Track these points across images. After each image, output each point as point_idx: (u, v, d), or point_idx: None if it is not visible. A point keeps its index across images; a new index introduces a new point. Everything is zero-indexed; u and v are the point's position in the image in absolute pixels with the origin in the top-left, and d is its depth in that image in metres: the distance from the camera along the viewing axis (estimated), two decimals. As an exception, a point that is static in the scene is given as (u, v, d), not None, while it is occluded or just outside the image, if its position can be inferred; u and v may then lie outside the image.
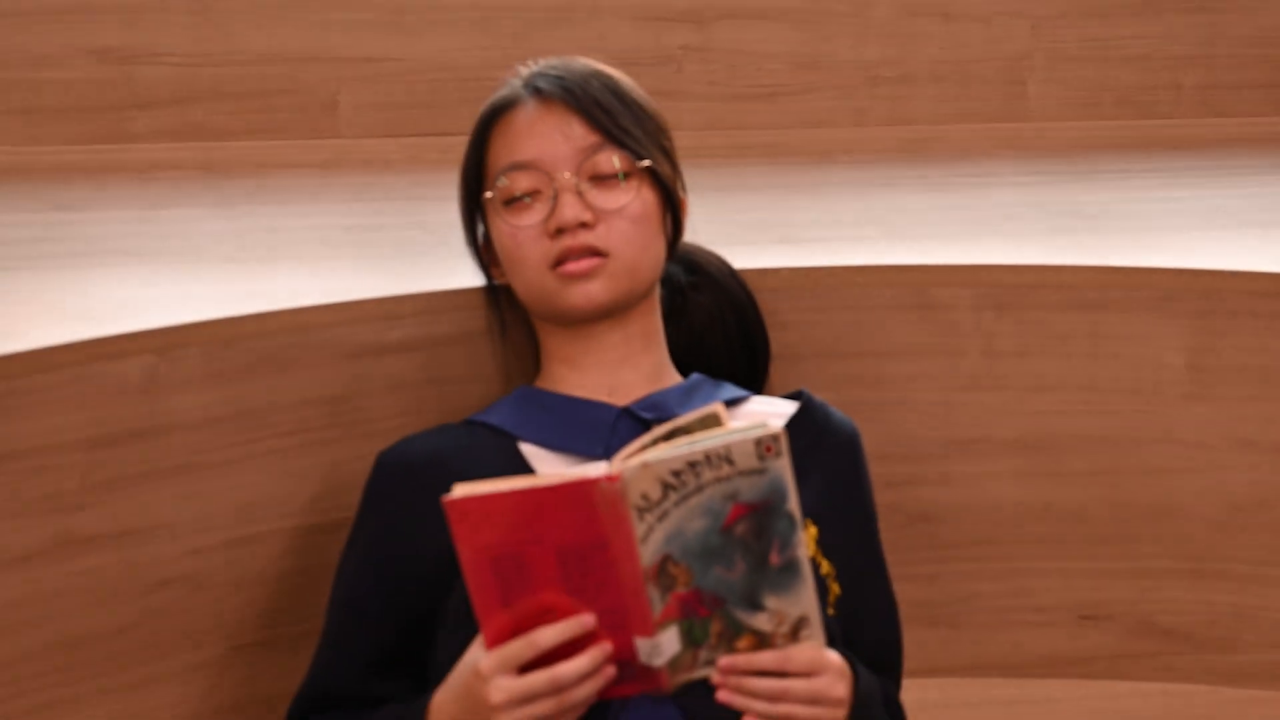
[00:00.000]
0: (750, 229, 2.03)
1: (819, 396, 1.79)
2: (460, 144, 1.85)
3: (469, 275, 1.88)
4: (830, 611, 1.67)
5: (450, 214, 1.91)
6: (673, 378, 1.77)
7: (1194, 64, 2.50)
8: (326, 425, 1.89)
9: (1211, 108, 2.51)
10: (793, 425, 1.71)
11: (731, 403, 1.73)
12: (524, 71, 1.77)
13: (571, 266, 1.67)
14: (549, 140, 1.69)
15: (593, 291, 1.67)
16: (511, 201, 1.70)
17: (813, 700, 1.52)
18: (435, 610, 1.65)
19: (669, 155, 1.75)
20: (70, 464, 1.77)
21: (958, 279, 2.01)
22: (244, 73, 2.32)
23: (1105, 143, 2.40)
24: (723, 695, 1.50)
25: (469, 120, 1.83)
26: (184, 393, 1.81)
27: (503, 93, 1.76)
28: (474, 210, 1.78)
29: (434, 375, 1.90)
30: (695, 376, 1.77)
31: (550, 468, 1.69)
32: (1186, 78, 2.51)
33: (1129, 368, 2.04)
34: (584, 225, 1.66)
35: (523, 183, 1.69)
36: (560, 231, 1.66)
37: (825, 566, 1.69)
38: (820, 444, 1.74)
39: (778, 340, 1.95)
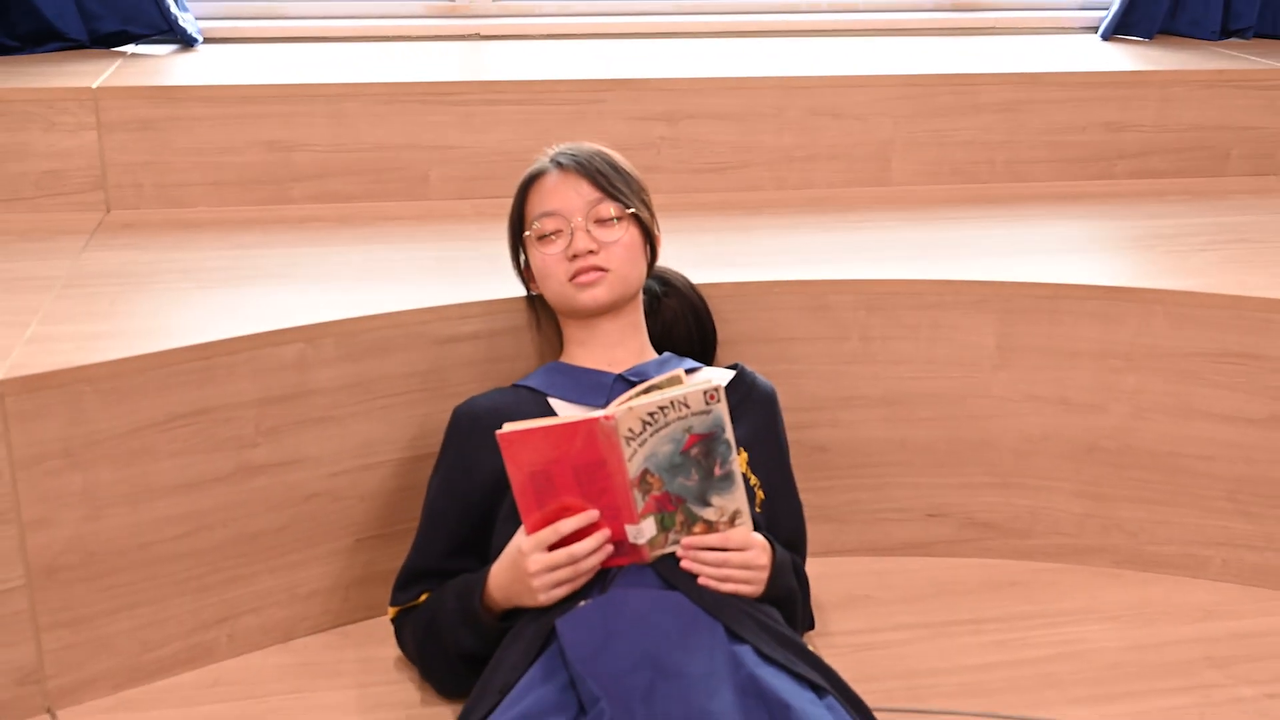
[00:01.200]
0: (704, 258, 2.05)
1: (750, 368, 1.83)
2: (510, 203, 1.89)
3: (515, 289, 1.92)
4: (758, 510, 1.71)
5: (503, 250, 1.92)
6: (651, 355, 1.83)
7: (1003, 147, 2.50)
8: (419, 390, 1.91)
9: (1016, 175, 2.51)
10: (731, 386, 1.76)
11: (690, 371, 1.77)
12: (550, 151, 1.81)
13: (583, 279, 1.72)
14: (567, 196, 1.74)
15: (598, 295, 1.73)
16: (543, 237, 1.75)
17: (744, 566, 1.59)
18: (492, 513, 1.69)
19: (648, 206, 1.80)
20: (247, 416, 1.79)
21: (843, 289, 2.02)
22: (365, 156, 2.31)
23: (943, 199, 2.40)
24: (685, 564, 1.58)
25: (517, 181, 1.87)
26: (323, 368, 1.84)
27: (536, 165, 1.80)
28: (518, 245, 1.83)
29: (492, 355, 1.93)
30: (666, 354, 1.83)
31: (570, 414, 1.70)
32: (998, 155, 2.52)
33: (957, 348, 2.07)
34: (591, 252, 1.71)
35: (550, 225, 1.74)
36: (575, 257, 1.71)
37: (754, 480, 1.73)
38: (750, 399, 1.78)
39: (722, 331, 1.99)
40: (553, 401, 1.73)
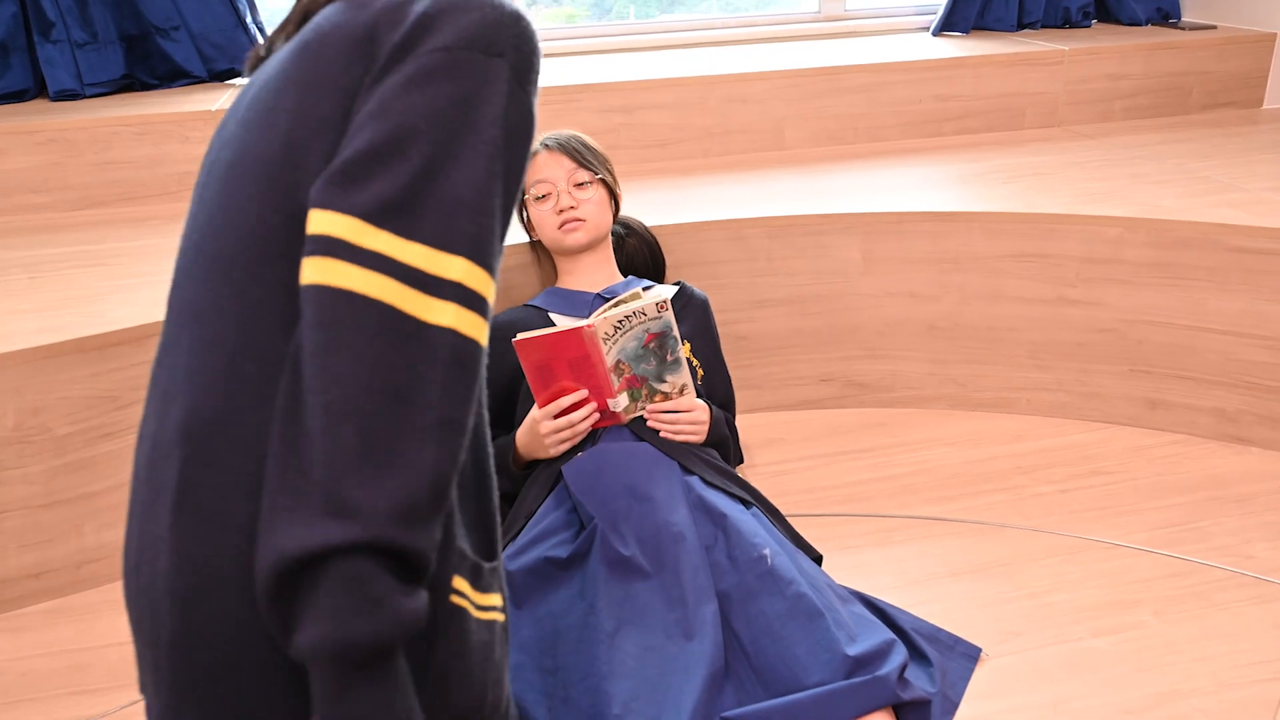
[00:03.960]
0: (654, 208, 2.01)
1: (689, 284, 1.81)
2: None
3: (521, 237, 1.87)
4: (699, 382, 1.70)
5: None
6: (619, 279, 1.78)
7: (864, 117, 2.45)
8: None
9: (873, 137, 2.47)
10: (676, 298, 1.74)
11: (645, 288, 1.74)
12: (540, 136, 1.78)
13: (568, 227, 1.70)
14: (552, 168, 1.71)
15: (579, 238, 1.71)
16: (538, 199, 1.72)
17: (691, 421, 1.59)
18: (514, 394, 1.68)
19: (610, 173, 1.75)
20: None
21: (753, 225, 1.98)
22: None
23: (822, 157, 2.36)
24: (650, 423, 1.55)
25: None
26: None
27: (533, 149, 1.75)
28: (523, 205, 1.78)
29: (506, 285, 1.89)
30: (629, 278, 1.79)
31: (564, 324, 1.66)
32: (860, 124, 2.47)
33: (834, 261, 2.03)
34: (571, 208, 1.69)
35: (542, 189, 1.72)
36: (561, 211, 1.70)
37: (695, 362, 1.72)
38: (690, 305, 1.76)
39: (669, 258, 1.96)
40: (552, 315, 1.71)
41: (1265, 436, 1.88)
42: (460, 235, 0.70)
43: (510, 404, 1.68)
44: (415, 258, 0.69)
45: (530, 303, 1.76)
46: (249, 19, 2.48)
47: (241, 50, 2.49)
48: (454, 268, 0.70)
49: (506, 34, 0.75)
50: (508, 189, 0.75)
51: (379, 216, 0.69)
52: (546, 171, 1.71)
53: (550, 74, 2.46)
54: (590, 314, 1.65)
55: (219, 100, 2.29)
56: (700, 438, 1.59)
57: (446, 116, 0.71)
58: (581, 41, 2.78)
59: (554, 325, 1.67)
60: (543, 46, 2.79)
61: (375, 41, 0.74)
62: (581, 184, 1.71)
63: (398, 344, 0.67)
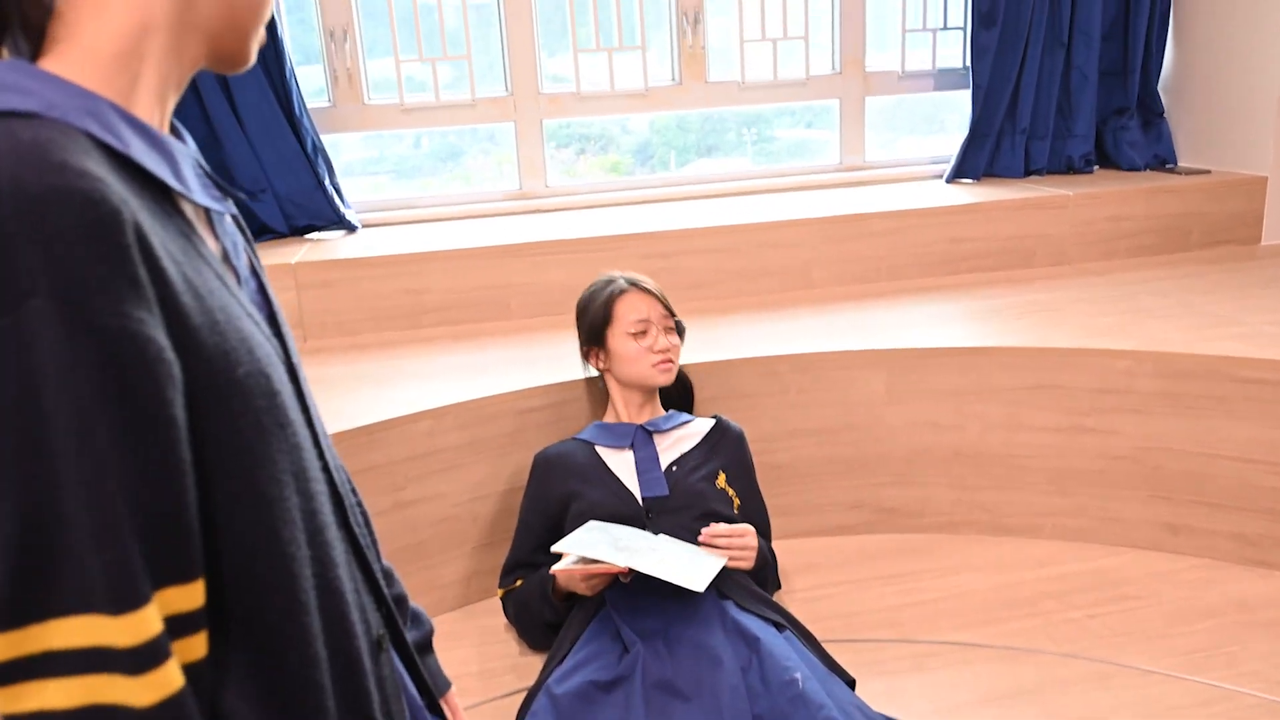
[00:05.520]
0: (693, 345, 2.03)
1: (725, 417, 1.83)
2: (566, 320, 1.85)
3: (568, 375, 1.90)
4: (735, 512, 1.70)
5: (560, 350, 1.91)
6: (661, 412, 1.81)
7: (886, 258, 2.48)
8: (509, 445, 1.89)
9: (895, 276, 2.49)
10: (712, 431, 1.76)
11: (684, 422, 1.77)
12: (617, 275, 1.79)
13: (661, 366, 1.73)
14: (652, 309, 1.74)
15: (669, 377, 1.76)
16: (635, 334, 1.73)
17: (745, 547, 1.58)
18: (560, 524, 1.66)
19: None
20: (399, 469, 1.77)
21: (783, 360, 2.01)
22: (470, 294, 2.30)
23: (847, 296, 2.40)
24: (707, 544, 1.58)
25: (572, 306, 1.84)
26: (447, 434, 1.84)
27: (614, 285, 1.78)
28: (593, 337, 1.77)
29: (557, 419, 1.92)
30: (671, 411, 1.81)
31: (608, 456, 1.69)
32: (883, 264, 2.51)
33: (860, 392, 2.05)
34: (667, 350, 1.73)
35: (641, 326, 1.73)
36: (659, 350, 1.73)
37: (731, 492, 1.72)
38: (726, 438, 1.77)
39: (704, 392, 1.99)
40: (598, 448, 1.70)
41: (1287, 561, 1.85)
42: (99, 579, 0.50)
43: (557, 532, 1.67)
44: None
45: (579, 435, 1.77)
46: (327, 181, 2.63)
47: (321, 208, 2.63)
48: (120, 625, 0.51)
49: (22, 257, 0.48)
50: (150, 425, 0.52)
51: (6, 620, 0.49)
52: (645, 310, 1.72)
53: (597, 224, 2.55)
54: (632, 443, 1.67)
55: (298, 254, 2.41)
56: (750, 564, 1.59)
57: (0, 452, 0.49)
58: (623, 195, 2.88)
59: (599, 456, 1.69)
60: (588, 198, 2.97)
61: None
62: (670, 329, 1.75)
63: None
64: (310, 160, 2.57)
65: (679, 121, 3.12)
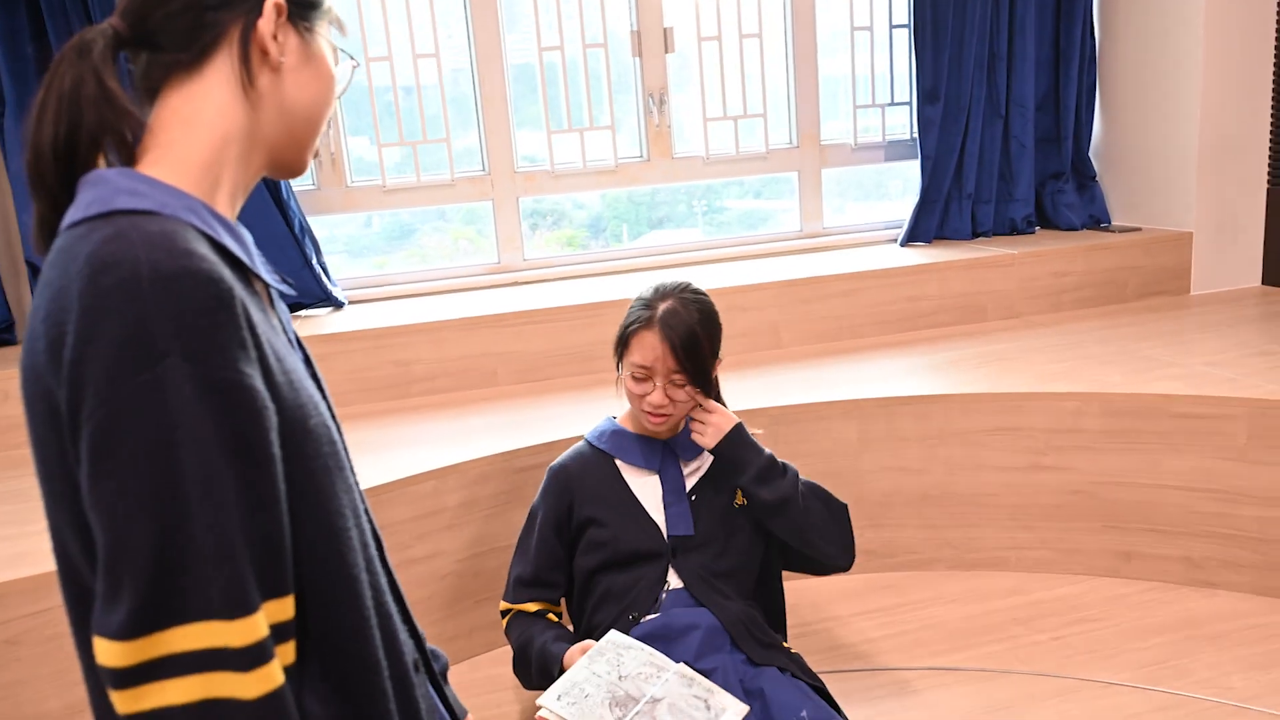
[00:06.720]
0: None
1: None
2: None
3: (556, 435, 1.92)
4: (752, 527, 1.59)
5: (548, 414, 1.95)
6: (680, 427, 1.62)
7: (846, 318, 2.63)
8: (506, 502, 1.94)
9: (856, 334, 2.64)
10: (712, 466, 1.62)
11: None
12: (658, 302, 1.53)
13: (653, 420, 1.54)
14: (657, 359, 1.51)
15: (659, 429, 1.57)
16: (635, 379, 1.53)
17: (712, 424, 1.54)
18: (575, 543, 1.60)
19: (710, 370, 1.55)
20: (404, 528, 1.80)
21: (760, 414, 2.08)
22: (455, 363, 2.40)
23: (814, 354, 2.48)
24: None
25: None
26: (448, 494, 1.88)
27: (646, 313, 1.53)
28: (617, 352, 1.58)
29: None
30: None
31: (633, 480, 1.58)
32: (844, 323, 2.59)
33: (835, 440, 2.15)
34: (662, 405, 1.52)
35: (641, 374, 1.52)
36: (653, 404, 1.52)
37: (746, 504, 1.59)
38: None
39: None
40: (621, 466, 1.59)
41: (1229, 579, 2.00)
42: (218, 593, 0.61)
43: (570, 551, 1.60)
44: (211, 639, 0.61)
45: (594, 440, 1.63)
46: (314, 260, 2.70)
47: (308, 287, 2.70)
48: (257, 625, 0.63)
49: (160, 324, 0.60)
50: (258, 462, 0.64)
51: (135, 629, 0.60)
52: (649, 357, 1.51)
53: (573, 294, 2.63)
54: (660, 467, 1.56)
55: (292, 329, 2.49)
56: (711, 442, 1.52)
57: (141, 483, 0.59)
58: (597, 265, 2.98)
59: (622, 477, 1.58)
60: (564, 270, 2.98)
61: (58, 371, 0.62)
62: (678, 384, 1.52)
63: None
64: (298, 240, 2.64)
65: (629, 195, 3.20)
